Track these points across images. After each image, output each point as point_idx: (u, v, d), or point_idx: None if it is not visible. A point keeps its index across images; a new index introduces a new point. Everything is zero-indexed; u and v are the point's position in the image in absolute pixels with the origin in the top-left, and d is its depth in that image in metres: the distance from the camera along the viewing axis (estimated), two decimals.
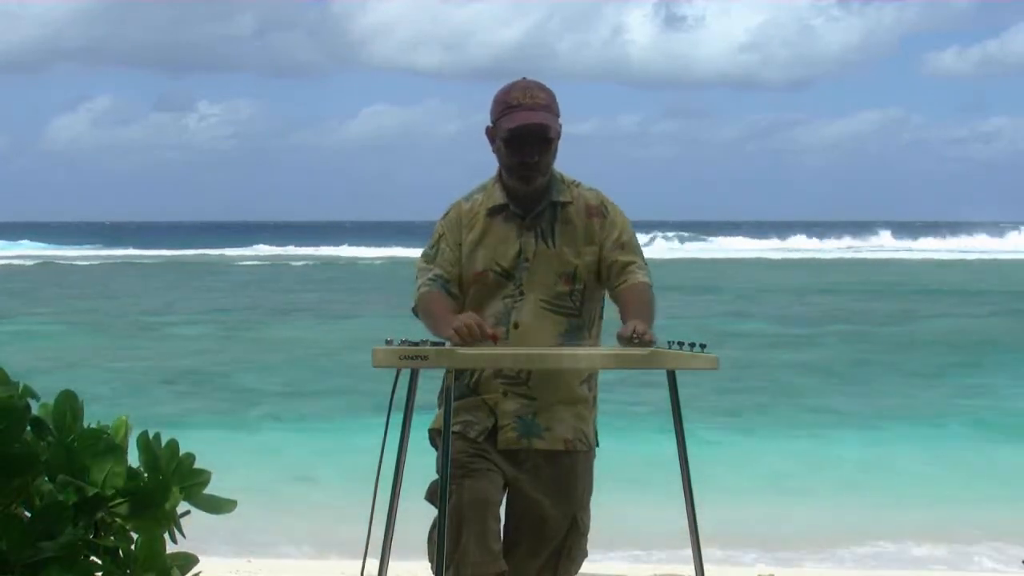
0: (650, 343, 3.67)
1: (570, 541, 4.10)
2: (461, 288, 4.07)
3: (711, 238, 71.41)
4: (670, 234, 69.44)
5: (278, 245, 70.93)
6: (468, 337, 3.71)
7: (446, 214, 4.16)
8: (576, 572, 4.18)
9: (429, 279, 4.06)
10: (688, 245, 66.13)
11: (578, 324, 4.05)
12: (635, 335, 3.68)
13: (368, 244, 70.73)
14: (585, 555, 4.18)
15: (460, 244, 4.08)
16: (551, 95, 4.03)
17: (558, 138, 4.03)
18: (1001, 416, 13.54)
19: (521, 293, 4.03)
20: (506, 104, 4.00)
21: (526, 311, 4.01)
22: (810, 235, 74.67)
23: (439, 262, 4.08)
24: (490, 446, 4.02)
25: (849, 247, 66.90)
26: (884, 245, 68.45)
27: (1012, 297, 30.28)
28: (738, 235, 73.73)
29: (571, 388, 4.07)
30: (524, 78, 4.08)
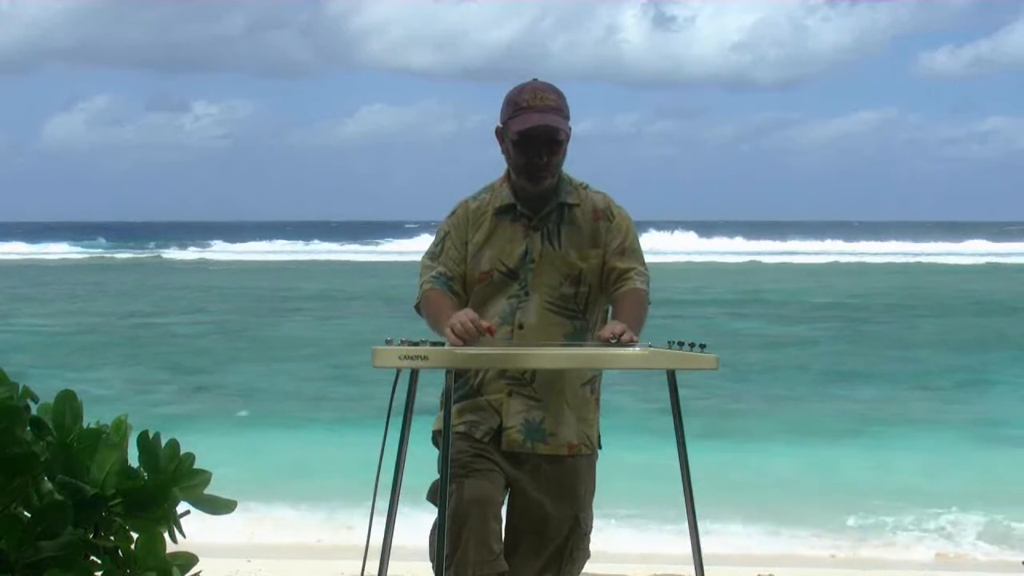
0: (628, 344, 3.68)
1: (572, 542, 4.10)
2: (464, 286, 4.06)
3: (709, 238, 71.41)
4: (668, 234, 69.54)
5: (273, 244, 70.93)
6: (463, 334, 3.72)
7: (453, 212, 4.15)
8: (579, 573, 4.17)
9: (432, 277, 4.06)
10: (687, 245, 66.15)
11: (582, 326, 4.04)
12: (613, 336, 3.69)
13: (366, 244, 70.76)
14: (588, 556, 4.17)
15: (466, 243, 4.08)
16: (561, 97, 4.01)
17: (567, 140, 4.02)
18: (998, 418, 13.55)
19: (526, 294, 4.03)
20: (516, 105, 3.99)
21: (531, 312, 4.01)
22: (806, 236, 74.71)
23: (443, 260, 4.08)
24: (493, 446, 4.02)
25: (844, 248, 66.89)
26: (880, 246, 68.42)
27: (1010, 299, 30.29)
28: (736, 235, 73.72)
29: (575, 390, 4.07)
30: (535, 79, 4.07)
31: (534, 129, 3.95)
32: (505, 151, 4.07)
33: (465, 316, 3.77)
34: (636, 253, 4.10)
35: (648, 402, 12.73)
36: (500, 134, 4.07)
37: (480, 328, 3.75)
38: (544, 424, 4.03)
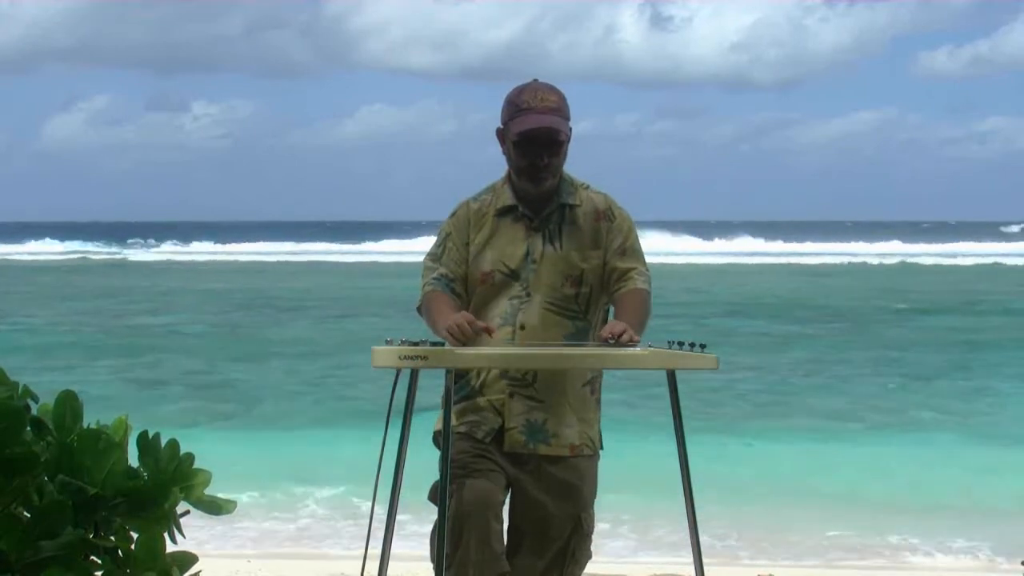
0: (628, 344, 3.67)
1: (574, 542, 4.09)
2: (466, 287, 4.07)
3: (708, 239, 71.43)
4: (670, 234, 69.56)
5: (266, 244, 70.92)
6: (460, 336, 3.71)
7: (454, 213, 4.15)
8: (581, 573, 4.17)
9: (434, 278, 4.06)
10: (687, 245, 66.18)
11: (584, 327, 4.05)
12: (612, 336, 3.69)
13: (365, 243, 70.82)
14: (590, 556, 4.17)
15: (467, 244, 4.08)
16: (562, 98, 4.02)
17: (568, 141, 4.02)
18: (997, 418, 13.55)
19: (528, 294, 4.03)
20: (516, 107, 3.99)
21: (532, 313, 4.01)
22: (806, 236, 74.73)
23: (444, 261, 4.08)
24: (494, 447, 4.02)
25: (844, 248, 66.90)
26: (879, 246, 68.43)
27: (1008, 299, 30.29)
28: (736, 235, 73.74)
29: (576, 391, 4.07)
30: (535, 80, 4.07)
31: (534, 130, 3.95)
32: (506, 152, 4.07)
33: (461, 318, 3.77)
34: (637, 253, 4.10)
35: (647, 402, 12.73)
36: (501, 135, 4.07)
37: (477, 329, 3.75)
38: (546, 425, 4.03)
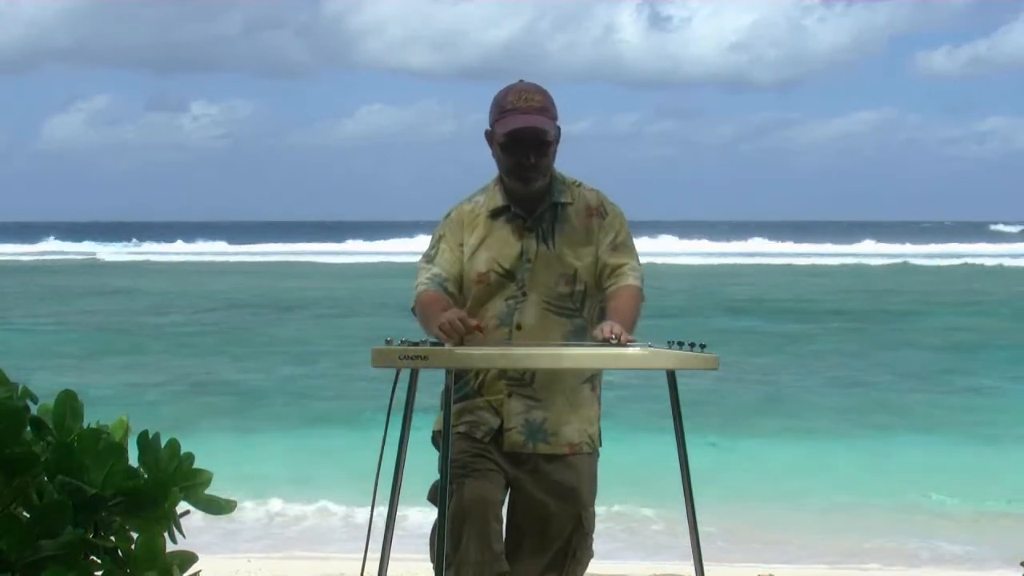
0: (623, 344, 3.67)
1: (575, 542, 4.09)
2: (461, 288, 4.06)
3: (707, 239, 71.43)
4: (669, 235, 69.61)
5: (274, 244, 70.94)
6: (451, 332, 3.71)
7: (447, 215, 4.16)
8: (583, 573, 4.16)
9: (427, 278, 4.06)
10: (687, 246, 66.21)
11: (581, 325, 4.04)
12: (611, 334, 3.68)
13: (364, 243, 70.84)
14: (591, 555, 4.17)
15: (461, 245, 4.08)
16: (548, 97, 4.01)
17: (556, 140, 4.02)
18: (996, 418, 13.55)
19: (524, 294, 4.03)
20: (502, 108, 3.99)
21: (529, 312, 4.01)
22: (805, 236, 74.76)
23: (438, 262, 4.08)
24: (493, 446, 4.02)
25: (844, 249, 66.90)
26: (879, 247, 68.42)
27: (1008, 298, 30.29)
28: (736, 235, 73.76)
29: (575, 389, 4.07)
30: (521, 80, 4.07)
31: (520, 131, 3.95)
32: (494, 154, 4.08)
33: (453, 315, 3.77)
34: (629, 249, 4.10)
35: (647, 402, 12.73)
36: (489, 137, 4.07)
37: (468, 326, 3.74)
38: (545, 424, 4.03)
